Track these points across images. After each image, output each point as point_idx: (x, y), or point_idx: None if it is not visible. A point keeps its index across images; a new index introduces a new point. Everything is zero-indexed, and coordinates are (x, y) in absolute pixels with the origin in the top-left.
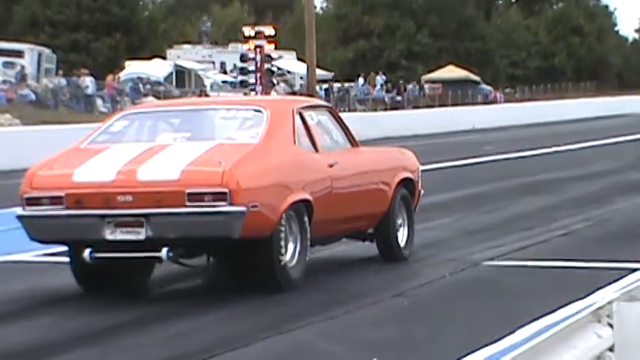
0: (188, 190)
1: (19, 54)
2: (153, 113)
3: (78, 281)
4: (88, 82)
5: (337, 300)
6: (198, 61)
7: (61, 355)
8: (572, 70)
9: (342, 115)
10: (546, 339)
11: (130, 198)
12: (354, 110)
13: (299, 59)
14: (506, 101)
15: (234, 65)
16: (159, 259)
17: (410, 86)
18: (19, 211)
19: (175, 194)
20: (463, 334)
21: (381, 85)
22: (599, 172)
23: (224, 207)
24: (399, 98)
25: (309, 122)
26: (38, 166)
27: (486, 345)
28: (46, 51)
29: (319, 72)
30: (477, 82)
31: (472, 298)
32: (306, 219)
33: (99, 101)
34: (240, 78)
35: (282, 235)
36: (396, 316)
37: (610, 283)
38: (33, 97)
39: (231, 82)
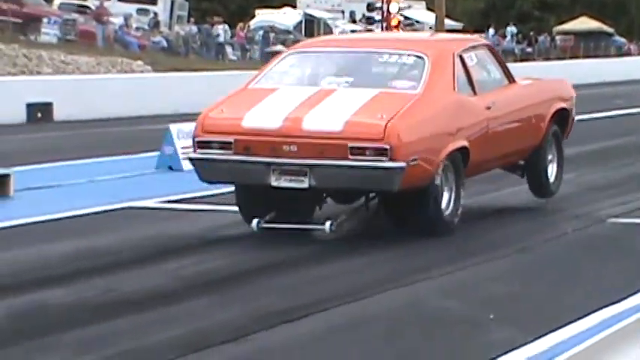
0: (350, 145)
1: (152, 1)
2: (317, 54)
3: (242, 214)
4: (219, 30)
5: (457, 255)
6: (328, 10)
7: (180, 303)
8: None
9: None
10: None
11: (294, 148)
12: None
13: (428, 9)
14: None
15: (363, 15)
16: (322, 228)
17: (541, 38)
18: (190, 154)
19: (338, 147)
20: (583, 294)
21: (512, 36)
22: None
23: (385, 162)
24: (529, 50)
25: (469, 64)
26: (209, 109)
27: (607, 305)
28: None
29: (448, 22)
30: (610, 34)
31: (595, 256)
32: (461, 165)
33: (229, 49)
34: (368, 27)
35: (439, 183)
36: (517, 272)
37: None
38: (165, 44)
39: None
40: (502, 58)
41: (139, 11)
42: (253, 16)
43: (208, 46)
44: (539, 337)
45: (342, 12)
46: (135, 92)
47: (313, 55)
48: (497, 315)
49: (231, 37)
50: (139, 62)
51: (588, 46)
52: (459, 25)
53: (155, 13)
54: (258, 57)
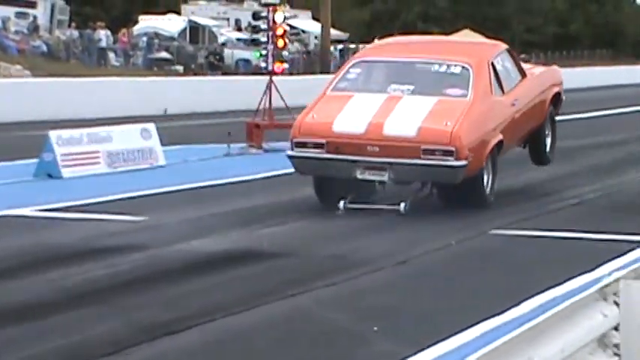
0: (423, 147)
1: (32, 4)
2: (379, 63)
3: (319, 197)
4: (102, 35)
5: (339, 266)
6: (213, 18)
7: (60, 314)
8: (588, 37)
9: None
10: (551, 316)
11: (376, 149)
12: None
13: (314, 19)
14: None
15: (249, 23)
16: (397, 211)
17: None
18: (289, 151)
19: (413, 149)
20: (465, 306)
21: None
22: (614, 141)
23: (451, 162)
24: None
25: (498, 69)
26: (303, 115)
27: (488, 318)
28: (60, 2)
29: (334, 32)
30: None
31: (477, 268)
32: (497, 155)
33: (111, 55)
34: (253, 36)
35: (485, 171)
36: (400, 284)
37: (618, 256)
38: (45, 48)
39: (245, 40)
40: (517, 56)
41: (18, 14)
42: (137, 22)
43: (90, 52)
44: (422, 349)
45: (228, 20)
46: (13, 97)
47: (376, 65)
48: (381, 327)
49: (114, 42)
50: (18, 67)
51: None
52: (344, 35)
53: (35, 17)
54: (141, 63)
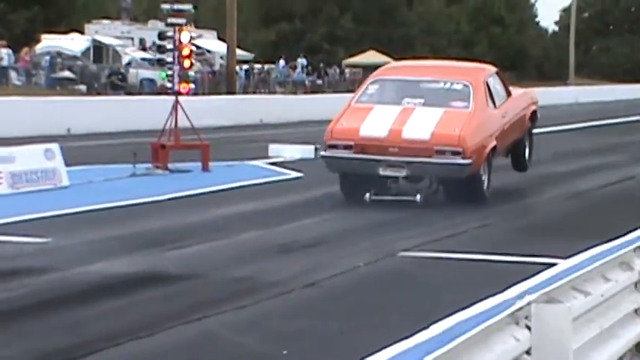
0: (436, 148)
1: None
2: (394, 81)
3: (344, 193)
4: (3, 53)
5: (248, 289)
6: (117, 37)
7: None
8: (492, 59)
9: (262, 96)
10: (464, 340)
11: (397, 149)
12: (274, 92)
13: (219, 39)
14: None
15: (153, 42)
16: (413, 202)
17: (331, 70)
18: (322, 152)
19: (427, 149)
20: (375, 329)
21: (302, 68)
22: None
23: (459, 160)
24: (319, 82)
25: (491, 87)
26: (334, 123)
27: (398, 341)
28: None
29: (240, 52)
30: None
31: (386, 290)
32: (492, 158)
33: (13, 74)
34: (158, 56)
35: (483, 171)
36: (309, 307)
37: (526, 278)
38: None
39: (150, 60)
40: (504, 78)
41: None
42: (39, 41)
43: None
44: None
45: (132, 39)
46: None
47: (391, 82)
48: (290, 350)
49: (15, 61)
50: None
51: None
52: (250, 55)
53: None
54: (43, 83)
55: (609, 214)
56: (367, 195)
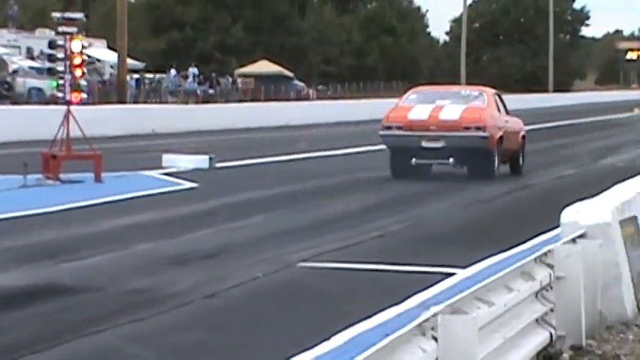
0: (464, 125)
1: None
2: (427, 91)
3: (393, 173)
4: None
5: (146, 301)
6: (3, 45)
7: None
8: (384, 69)
9: (154, 106)
10: (372, 353)
11: (435, 127)
12: (166, 102)
13: (109, 47)
14: (318, 98)
15: (41, 51)
16: (447, 164)
17: (223, 80)
18: (380, 132)
19: (458, 127)
20: (275, 341)
21: (194, 77)
22: None
23: (481, 133)
24: (211, 91)
25: (497, 99)
26: (388, 113)
27: (299, 353)
28: None
29: (130, 61)
30: (290, 78)
31: (286, 301)
32: (501, 145)
33: None
34: (49, 65)
35: (495, 152)
36: (209, 318)
37: (426, 288)
38: None
39: (39, 69)
40: (503, 99)
41: None
42: None
43: None
44: None
45: (19, 47)
46: None
47: (426, 91)
48: None
49: None
50: None
51: (269, 89)
52: (140, 64)
53: None
54: None
55: (506, 223)
56: (413, 159)
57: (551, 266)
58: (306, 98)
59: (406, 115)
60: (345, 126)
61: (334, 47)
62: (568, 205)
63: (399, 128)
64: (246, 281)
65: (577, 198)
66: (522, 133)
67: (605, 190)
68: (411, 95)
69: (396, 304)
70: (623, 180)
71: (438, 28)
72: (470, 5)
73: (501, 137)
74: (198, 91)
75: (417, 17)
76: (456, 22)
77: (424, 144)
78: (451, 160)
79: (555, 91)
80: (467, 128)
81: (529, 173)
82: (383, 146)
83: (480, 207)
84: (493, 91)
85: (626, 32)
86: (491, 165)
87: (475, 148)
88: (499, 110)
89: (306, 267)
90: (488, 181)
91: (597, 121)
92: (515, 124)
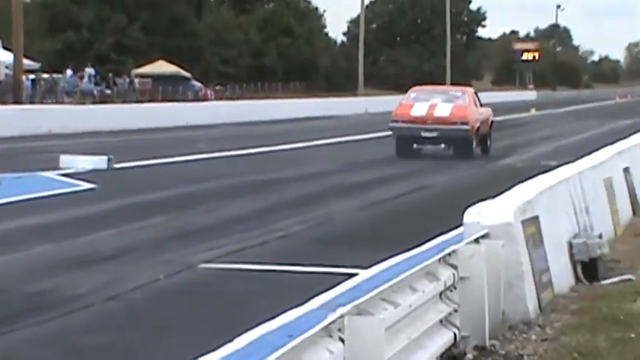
0: (452, 120)
1: None
2: (423, 92)
3: (398, 154)
4: None
5: (47, 304)
6: None
7: None
8: (282, 70)
9: (50, 106)
10: (280, 355)
11: (431, 121)
12: (62, 102)
13: (4, 48)
14: (216, 99)
15: None
16: (443, 148)
17: (120, 80)
18: (390, 124)
19: (448, 122)
20: (178, 343)
21: (90, 78)
22: (313, 173)
23: (466, 126)
24: (108, 92)
25: (474, 97)
26: (395, 110)
27: (203, 354)
28: None
29: (26, 62)
30: (187, 79)
31: (188, 303)
32: (477, 132)
33: None
34: None
35: (474, 139)
36: (111, 321)
37: (329, 289)
38: None
39: None
40: (478, 95)
41: None
42: None
43: None
44: None
45: None
46: None
47: (422, 91)
48: None
49: None
50: None
51: (167, 89)
52: (36, 64)
53: None
54: None
55: (404, 224)
56: (415, 145)
57: (455, 267)
58: (204, 99)
59: (409, 112)
60: (244, 126)
61: (232, 48)
62: (469, 205)
63: (404, 122)
64: (147, 283)
65: (478, 198)
66: (491, 119)
67: (507, 190)
68: (412, 94)
69: (299, 305)
70: (524, 180)
71: (336, 29)
72: (367, 6)
73: (478, 127)
74: (95, 92)
75: (315, 18)
76: (354, 22)
77: (423, 134)
78: (442, 145)
79: None
80: (454, 123)
81: (427, 174)
82: (285, 146)
83: (380, 207)
84: (472, 90)
85: (522, 33)
86: (470, 148)
87: (460, 137)
88: (476, 105)
89: (208, 268)
90: (382, 184)
91: (494, 121)
92: (487, 113)
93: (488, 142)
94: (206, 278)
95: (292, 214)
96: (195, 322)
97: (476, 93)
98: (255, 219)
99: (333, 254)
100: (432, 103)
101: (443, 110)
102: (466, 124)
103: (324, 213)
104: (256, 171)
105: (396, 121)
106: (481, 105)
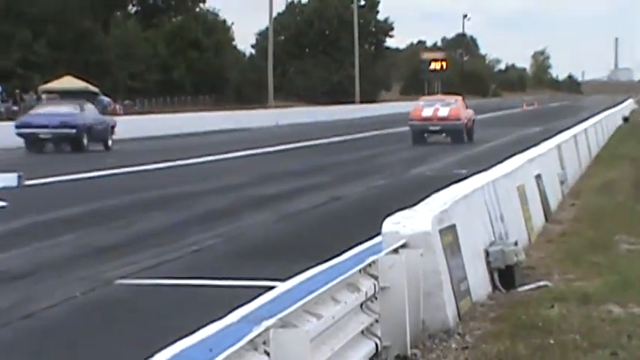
0: (450, 118)
1: None
2: (428, 100)
3: (414, 143)
4: None
5: None
6: None
7: None
8: (190, 83)
9: None
10: None
11: (436, 120)
12: None
13: None
14: (125, 113)
15: None
16: (445, 137)
17: (27, 96)
18: (409, 123)
19: (447, 119)
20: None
21: None
22: (225, 186)
23: (459, 122)
24: (15, 108)
25: (463, 102)
26: (411, 112)
27: None
28: None
29: None
30: (95, 94)
31: (107, 320)
32: (466, 127)
33: None
34: None
35: (464, 131)
36: (27, 340)
37: (246, 303)
38: None
39: None
40: (465, 99)
41: None
42: None
43: None
44: None
45: None
46: None
47: (427, 100)
48: None
49: None
50: None
51: None
52: None
53: None
54: None
55: (321, 234)
56: (425, 135)
57: (375, 277)
58: (113, 114)
59: (420, 114)
60: (154, 140)
61: (140, 62)
62: (386, 215)
63: (417, 121)
64: (63, 301)
65: (393, 208)
66: (473, 118)
67: (422, 199)
68: (421, 102)
69: (219, 318)
70: (438, 189)
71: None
72: (275, 18)
73: (466, 122)
74: (2, 108)
75: (223, 30)
76: (262, 35)
77: (430, 128)
78: (444, 135)
79: (362, 102)
80: (451, 119)
81: (341, 184)
82: (195, 160)
83: (295, 219)
84: (461, 97)
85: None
86: (462, 136)
87: (455, 129)
88: (465, 108)
89: (125, 284)
90: (296, 196)
91: (404, 131)
92: (471, 113)
93: (472, 133)
94: (123, 294)
95: (206, 227)
96: (114, 339)
97: (463, 98)
98: (169, 234)
99: (250, 267)
100: (436, 107)
101: (443, 112)
102: (459, 120)
103: (239, 226)
104: (168, 185)
105: (412, 120)
106: (467, 108)
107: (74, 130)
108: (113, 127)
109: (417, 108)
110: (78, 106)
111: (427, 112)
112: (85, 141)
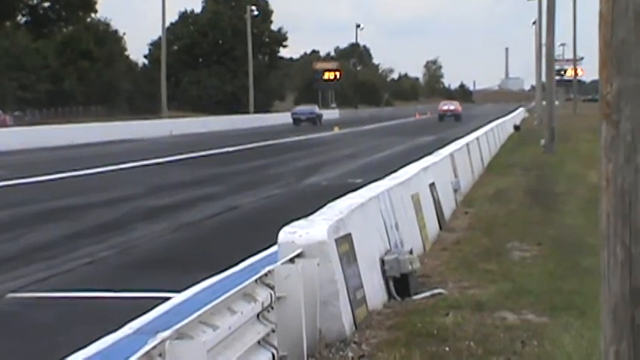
0: (456, 110)
1: None
2: (445, 101)
3: (440, 120)
4: None
5: None
6: None
7: None
8: (82, 94)
9: None
10: None
11: (449, 111)
12: None
13: None
14: (15, 124)
15: None
16: (452, 118)
17: None
18: (438, 112)
19: (454, 110)
20: None
21: None
22: (116, 198)
23: (459, 111)
24: None
25: (459, 102)
26: (438, 107)
27: None
28: None
29: None
30: None
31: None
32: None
33: None
34: None
35: (461, 115)
36: None
37: (141, 314)
38: None
39: None
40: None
41: None
42: None
43: None
44: None
45: None
46: None
47: (445, 101)
48: None
49: None
50: None
51: None
52: None
53: None
54: None
55: (216, 245)
56: (444, 118)
57: (271, 287)
58: (3, 125)
59: (442, 108)
60: (45, 152)
61: (30, 72)
62: (281, 225)
63: (441, 111)
64: None
65: (289, 217)
66: (460, 109)
67: (318, 208)
68: (442, 102)
69: (113, 331)
70: (333, 199)
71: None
72: (168, 28)
73: (460, 112)
74: None
75: (115, 40)
76: (155, 45)
77: (447, 114)
78: (453, 117)
79: (256, 111)
80: (456, 110)
81: (236, 194)
82: (87, 171)
83: (190, 229)
84: (460, 102)
85: (323, 52)
86: (460, 119)
87: (457, 115)
88: (460, 105)
89: (16, 297)
90: (191, 206)
91: (297, 140)
92: (461, 107)
93: (461, 117)
94: (15, 308)
95: (99, 239)
96: (8, 354)
97: (460, 103)
98: (60, 246)
99: (145, 279)
100: (448, 104)
101: (452, 106)
102: (459, 111)
103: (132, 237)
104: (57, 197)
105: (440, 110)
106: (461, 104)
107: None
108: None
109: (441, 105)
110: None
111: (445, 107)
112: None
